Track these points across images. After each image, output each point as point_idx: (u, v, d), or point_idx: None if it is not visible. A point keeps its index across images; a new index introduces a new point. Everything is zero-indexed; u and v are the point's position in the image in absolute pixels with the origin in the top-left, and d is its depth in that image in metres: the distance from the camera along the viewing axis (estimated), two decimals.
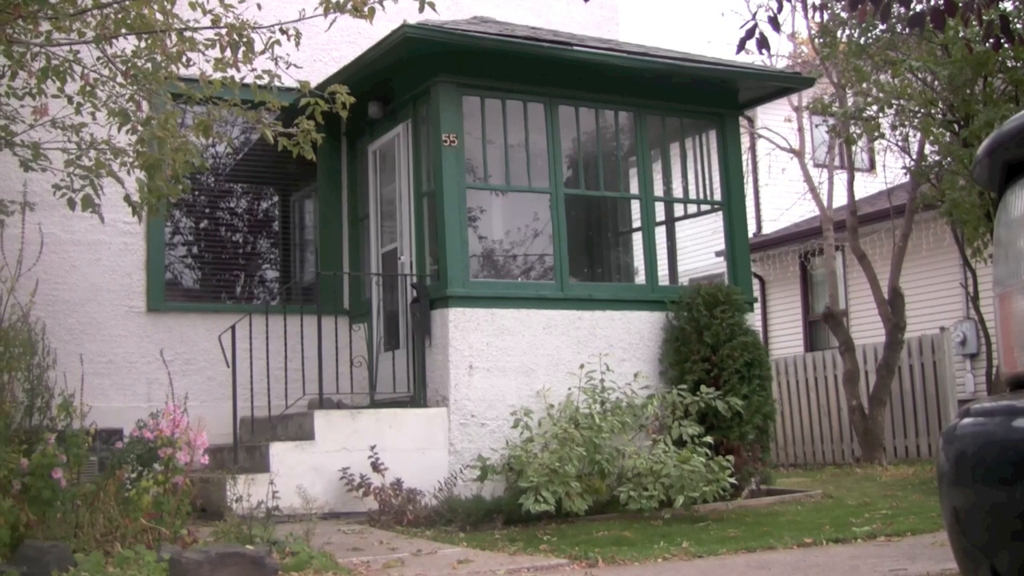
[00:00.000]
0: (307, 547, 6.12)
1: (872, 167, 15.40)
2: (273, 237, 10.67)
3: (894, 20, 8.39)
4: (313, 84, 7.04)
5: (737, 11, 38.71)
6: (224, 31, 6.44)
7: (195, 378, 9.37)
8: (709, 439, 8.49)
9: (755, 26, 5.56)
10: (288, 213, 10.86)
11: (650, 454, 8.34)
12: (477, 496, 8.27)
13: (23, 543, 5.45)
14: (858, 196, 14.05)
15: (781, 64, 14.83)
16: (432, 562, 6.26)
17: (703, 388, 8.83)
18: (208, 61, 6.82)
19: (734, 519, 7.99)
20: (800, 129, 13.87)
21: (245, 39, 6.38)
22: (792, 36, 15.12)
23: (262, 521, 6.62)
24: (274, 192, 10.63)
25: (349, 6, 6.54)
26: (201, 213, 10.30)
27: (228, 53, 6.49)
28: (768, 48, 5.56)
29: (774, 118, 14.23)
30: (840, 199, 13.94)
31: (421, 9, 6.63)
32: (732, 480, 8.26)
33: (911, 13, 5.37)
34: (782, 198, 15.60)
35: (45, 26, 6.80)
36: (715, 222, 11.78)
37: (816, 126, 14.87)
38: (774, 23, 5.59)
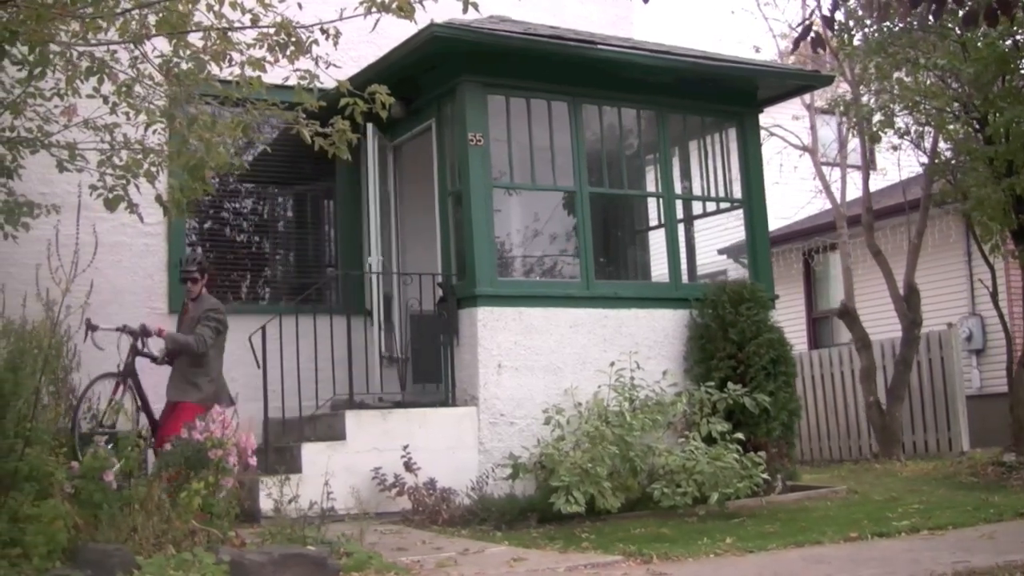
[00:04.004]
0: (361, 547, 6.12)
1: (874, 165, 15.47)
2: (293, 237, 10.64)
3: (912, 16, 8.45)
4: (332, 83, 7.02)
5: (747, 9, 38.72)
6: (272, 30, 6.42)
7: None
8: (740, 436, 8.53)
9: (810, 25, 5.58)
10: (306, 213, 10.84)
11: (682, 451, 8.37)
12: (510, 495, 8.28)
13: (85, 546, 5.42)
14: (861, 193, 14.15)
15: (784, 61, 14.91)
16: (484, 561, 6.26)
17: (730, 385, 8.87)
18: (247, 62, 6.80)
19: (767, 515, 8.02)
20: (813, 127, 13.97)
21: (294, 39, 6.36)
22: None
23: (307, 522, 6.61)
24: (293, 192, 10.59)
25: (394, 6, 6.53)
26: (221, 214, 10.25)
27: (276, 52, 6.47)
28: (823, 47, 5.61)
29: (783, 117, 14.30)
30: (847, 197, 14.01)
31: (465, 10, 6.62)
32: (764, 476, 8.30)
33: (965, 11, 5.40)
34: (789, 196, 15.66)
35: (75, 25, 6.74)
36: (718, 221, 11.87)
37: (840, 123, 14.83)
38: (828, 22, 5.63)
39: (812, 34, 5.66)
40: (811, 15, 5.56)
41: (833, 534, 6.82)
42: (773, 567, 5.84)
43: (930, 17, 8.31)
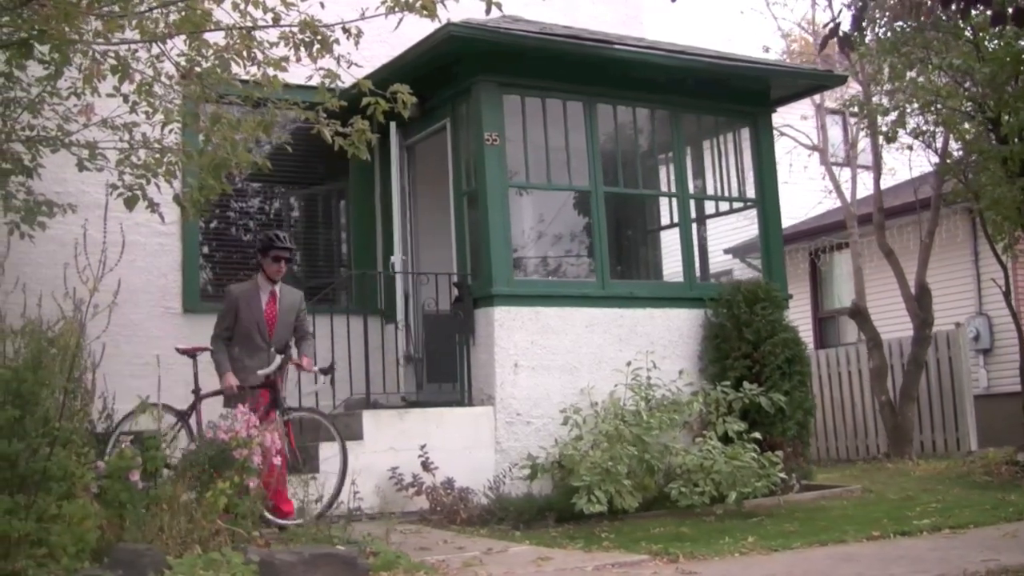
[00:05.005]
0: (387, 547, 6.11)
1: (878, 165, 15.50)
2: (305, 236, 10.62)
3: (933, 16, 8.47)
4: (347, 83, 7.03)
5: (756, 8, 38.74)
6: (296, 29, 6.42)
7: None
8: (757, 435, 8.54)
9: (838, 25, 5.59)
10: (318, 212, 10.82)
11: (699, 451, 8.37)
12: (528, 494, 8.29)
13: (115, 546, 5.39)
14: (867, 192, 14.15)
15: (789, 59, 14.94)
16: (509, 560, 6.26)
17: (746, 384, 8.89)
18: (268, 62, 6.79)
19: (784, 514, 8.03)
20: (823, 127, 14.00)
21: (319, 37, 6.36)
22: (815, 33, 15.23)
23: (331, 521, 6.62)
24: (306, 191, 10.58)
25: (418, 4, 6.53)
26: (234, 213, 10.24)
27: (300, 51, 6.47)
28: (851, 47, 5.61)
29: (792, 117, 14.32)
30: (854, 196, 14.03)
31: (488, 10, 6.63)
32: (782, 475, 8.31)
33: (992, 11, 5.41)
34: (796, 196, 15.65)
35: (97, 24, 6.72)
36: (724, 221, 11.88)
37: (853, 123, 14.84)
38: (857, 23, 5.63)
39: (840, 33, 5.68)
40: (839, 14, 5.55)
41: (856, 533, 6.83)
42: (802, 565, 5.85)
43: (942, 16, 8.35)
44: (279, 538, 6.47)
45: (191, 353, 7.62)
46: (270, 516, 6.81)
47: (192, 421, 7.41)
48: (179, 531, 5.88)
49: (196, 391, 7.50)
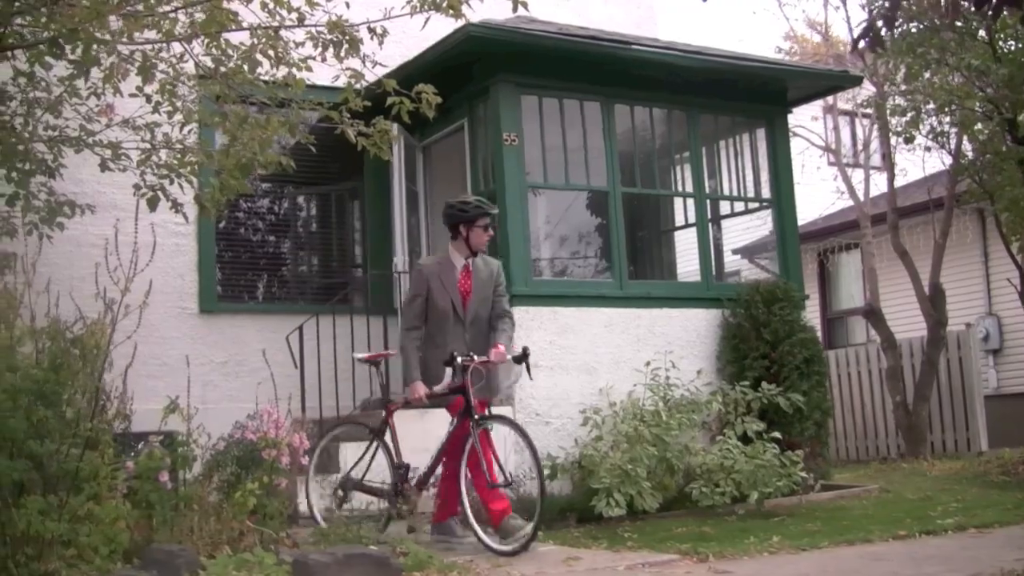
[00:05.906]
0: (417, 546, 6.11)
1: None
2: (321, 236, 10.62)
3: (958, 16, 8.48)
4: (363, 83, 7.02)
5: (768, 9, 38.76)
6: (324, 29, 6.42)
7: (247, 380, 9.24)
8: (777, 434, 8.54)
9: (871, 25, 5.58)
10: (332, 212, 10.81)
11: (719, 450, 8.38)
12: (548, 495, 8.25)
13: (149, 547, 5.40)
14: (876, 193, 14.18)
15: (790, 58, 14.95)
16: (538, 560, 6.25)
17: (764, 384, 8.89)
18: (290, 62, 6.80)
19: (805, 514, 8.03)
20: (835, 128, 14.01)
21: (348, 37, 6.36)
22: (826, 34, 15.29)
23: (358, 522, 6.62)
24: (321, 191, 10.57)
25: (444, 4, 6.54)
26: (244, 213, 10.23)
27: (327, 51, 6.48)
28: (883, 47, 5.61)
29: (804, 118, 14.36)
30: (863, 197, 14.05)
31: (515, 9, 6.65)
32: (803, 474, 8.31)
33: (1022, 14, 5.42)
34: (807, 197, 15.69)
35: (120, 23, 6.71)
36: (732, 221, 11.87)
37: (870, 123, 14.85)
38: (888, 22, 5.63)
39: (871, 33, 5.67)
40: (872, 13, 5.55)
41: (880, 532, 6.83)
42: (833, 564, 5.85)
43: (958, 22, 8.37)
44: (307, 539, 6.48)
45: (374, 361, 7.26)
46: (484, 538, 6.55)
47: (388, 439, 7.05)
48: (208, 531, 5.88)
49: (386, 403, 7.08)
